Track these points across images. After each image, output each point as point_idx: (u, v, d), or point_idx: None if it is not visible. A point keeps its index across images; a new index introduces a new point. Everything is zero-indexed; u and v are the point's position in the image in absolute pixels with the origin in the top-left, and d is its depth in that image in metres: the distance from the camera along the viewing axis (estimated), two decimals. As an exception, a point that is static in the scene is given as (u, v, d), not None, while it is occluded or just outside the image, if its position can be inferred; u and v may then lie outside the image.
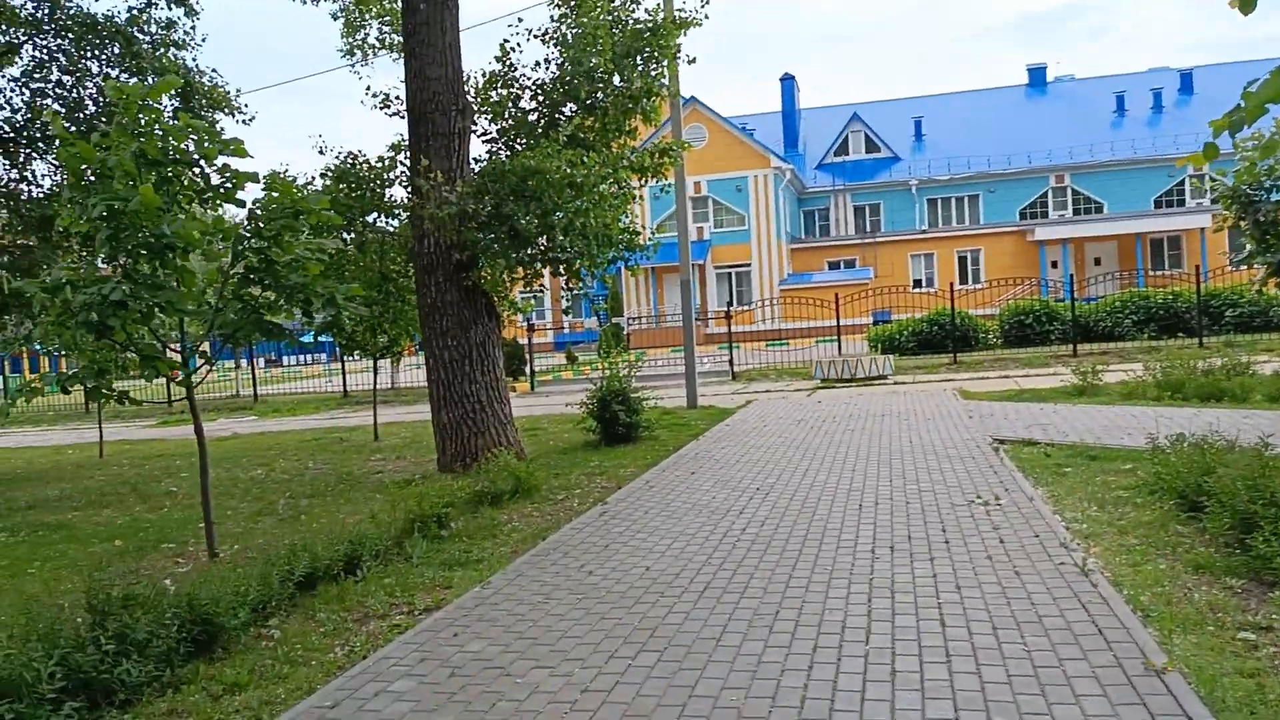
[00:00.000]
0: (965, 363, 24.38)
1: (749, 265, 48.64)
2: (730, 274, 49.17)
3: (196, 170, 8.35)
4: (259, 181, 8.55)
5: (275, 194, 8.33)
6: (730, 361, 26.89)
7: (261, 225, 8.35)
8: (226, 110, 18.29)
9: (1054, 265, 46.84)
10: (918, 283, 47.72)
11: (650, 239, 13.66)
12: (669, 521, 8.46)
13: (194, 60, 18.53)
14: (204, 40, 18.19)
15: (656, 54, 13.20)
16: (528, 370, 28.54)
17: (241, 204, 8.44)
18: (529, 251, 11.90)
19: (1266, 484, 6.29)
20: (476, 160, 13.30)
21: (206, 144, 8.11)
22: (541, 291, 13.39)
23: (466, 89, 13.28)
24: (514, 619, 5.96)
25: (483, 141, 13.74)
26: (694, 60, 14.42)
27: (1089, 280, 37.90)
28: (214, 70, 18.31)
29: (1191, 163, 4.78)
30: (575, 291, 13.03)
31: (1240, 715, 3.97)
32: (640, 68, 13.32)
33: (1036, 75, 60.84)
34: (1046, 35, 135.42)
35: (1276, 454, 6.95)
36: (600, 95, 13.41)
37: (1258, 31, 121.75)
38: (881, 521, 7.94)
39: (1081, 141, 51.13)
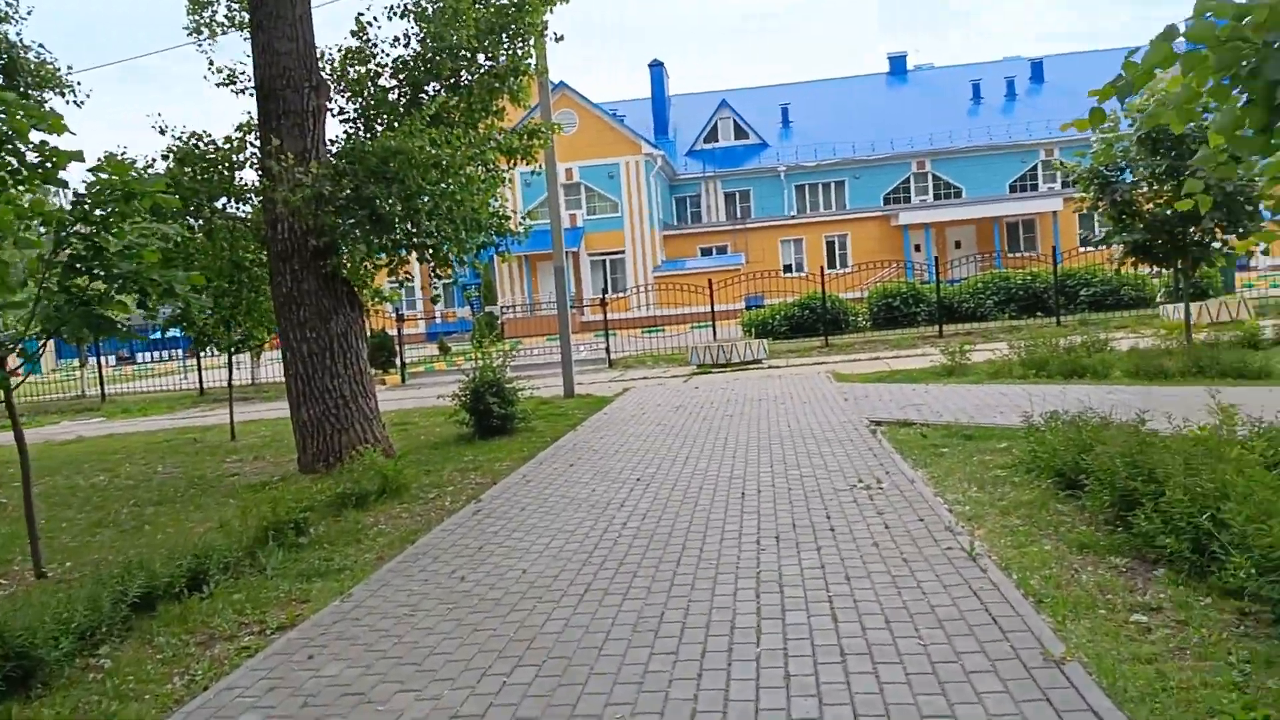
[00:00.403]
0: (837, 345, 24.69)
1: (623, 252, 48.42)
2: (605, 261, 48.85)
3: (8, 149, 7.46)
4: (83, 160, 7.70)
5: (105, 175, 7.52)
6: (607, 349, 26.56)
7: (89, 209, 7.55)
8: (56, 89, 16.88)
9: (917, 249, 48.20)
10: (788, 268, 48.39)
11: (521, 224, 13.14)
12: (547, 518, 8.04)
13: (17, 35, 17.03)
14: (29, 14, 16.75)
15: (523, 31, 12.68)
16: (398, 362, 27.59)
17: (63, 184, 7.60)
18: (392, 236, 11.25)
19: (1145, 461, 6.30)
20: (334, 141, 12.53)
21: (19, 117, 7.24)
22: (411, 280, 12.71)
23: (321, 66, 12.49)
24: (377, 635, 5.45)
25: (340, 121, 12.97)
26: (561, 38, 13.95)
27: (951, 263, 39.06)
28: (40, 45, 16.87)
29: (1075, 127, 4.64)
30: (444, 279, 12.42)
31: (1144, 707, 3.82)
32: (506, 45, 12.78)
33: (897, 64, 62.44)
34: (906, 24, 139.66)
35: (1153, 430, 6.99)
36: (465, 73, 12.82)
37: (1100, 25, 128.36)
38: (765, 510, 7.70)
39: (941, 128, 52.71)
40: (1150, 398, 11.58)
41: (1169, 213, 14.49)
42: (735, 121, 56.16)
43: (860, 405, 13.39)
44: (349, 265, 11.54)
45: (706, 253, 50.28)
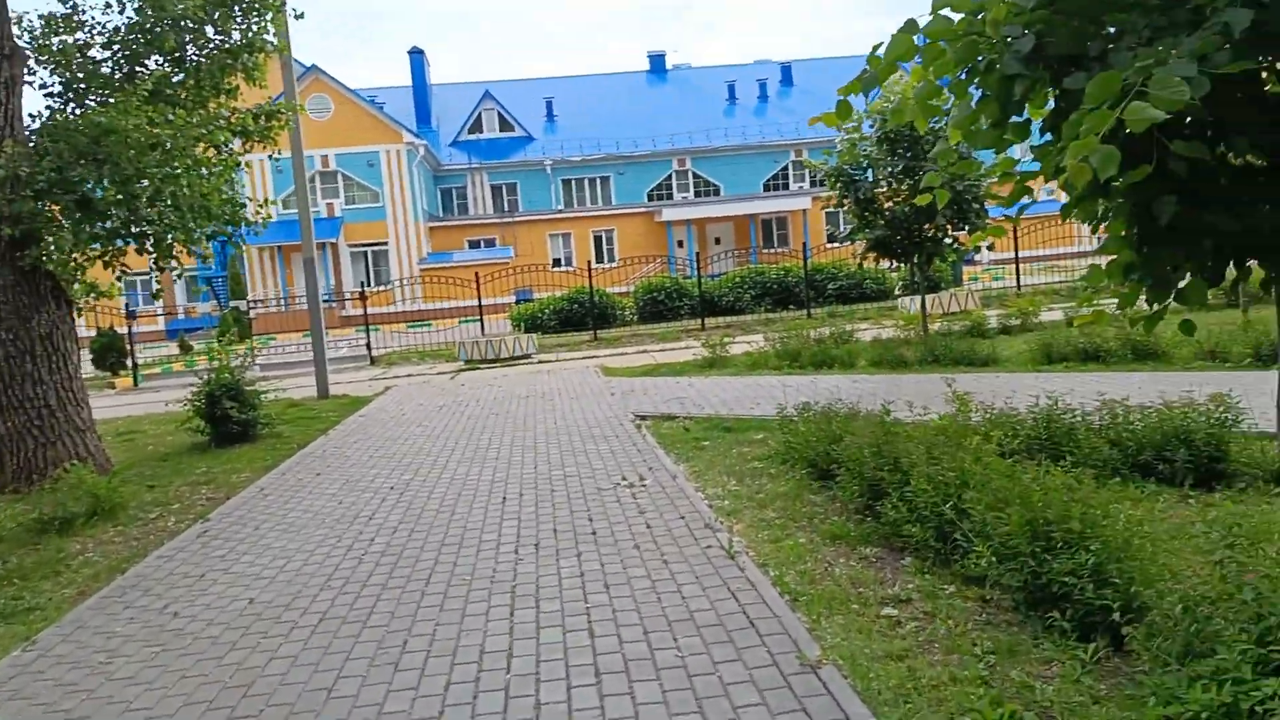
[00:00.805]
0: (605, 339, 24.73)
1: (386, 244, 46.70)
2: (366, 253, 46.95)
3: None
4: None
5: None
6: (368, 345, 25.37)
7: None
8: None
9: (680, 244, 49.40)
10: (556, 261, 48.30)
11: (260, 213, 12.11)
12: (284, 537, 7.33)
13: None
14: None
15: (257, 4, 11.65)
16: (129, 363, 25.18)
17: None
18: (105, 225, 10.03)
19: (891, 450, 6.42)
20: (34, 117, 11.06)
21: None
22: (150, 273, 11.33)
23: (18, 33, 10.98)
24: (62, 692, 4.65)
25: (44, 95, 11.46)
26: (301, 15, 12.98)
27: (711, 258, 40.27)
28: None
29: (824, 121, 4.55)
30: (168, 270, 11.22)
31: (897, 710, 3.75)
32: (239, 19, 11.71)
33: (657, 62, 63.75)
34: (665, 24, 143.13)
35: (897, 419, 7.18)
36: (192, 48, 11.64)
37: (840, 32, 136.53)
38: (526, 515, 7.35)
39: (700, 127, 54.25)
40: (893, 386, 12.13)
41: (907, 210, 15.33)
42: (500, 113, 55.47)
43: (627, 399, 13.31)
44: (53, 257, 10.18)
45: (475, 245, 49.37)
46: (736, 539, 6.24)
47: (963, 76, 4.26)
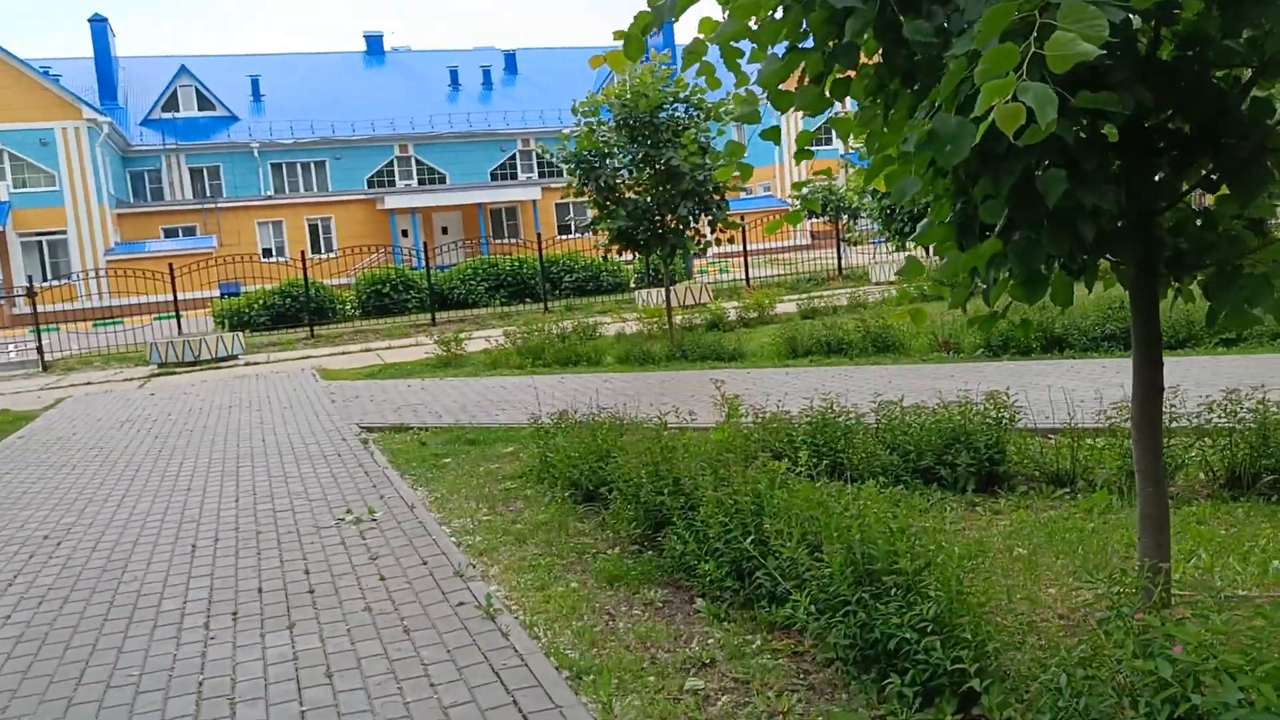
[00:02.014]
0: (324, 336, 22.67)
1: (64, 232, 41.24)
2: (41, 242, 41.25)
3: None
4: None
5: None
6: (39, 349, 21.81)
7: None
8: None
9: (405, 234, 47.13)
10: (267, 252, 44.60)
11: None
12: (-123, 621, 5.43)
13: None
14: None
15: None
16: None
17: None
18: None
19: (670, 469, 5.56)
20: None
21: None
22: None
23: None
24: None
25: None
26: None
27: (439, 249, 38.56)
28: None
29: (608, 62, 3.60)
30: None
31: None
32: None
33: (374, 43, 60.72)
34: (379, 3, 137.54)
35: (673, 433, 6.33)
36: None
37: (568, 25, 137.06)
38: (223, 569, 5.87)
39: (422, 112, 52.12)
40: (647, 385, 11.45)
41: (649, 200, 14.75)
42: (198, 90, 50.67)
43: (350, 407, 11.79)
44: None
45: (172, 234, 44.68)
46: (494, 588, 5.15)
47: (778, 16, 3.40)
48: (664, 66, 14.84)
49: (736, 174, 4.16)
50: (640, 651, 4.24)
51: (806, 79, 3.67)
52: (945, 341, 12.17)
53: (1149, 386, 3.42)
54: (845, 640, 3.76)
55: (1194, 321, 10.61)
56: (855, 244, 28.79)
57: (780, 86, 3.73)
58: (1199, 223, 3.20)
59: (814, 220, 41.38)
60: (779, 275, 26.81)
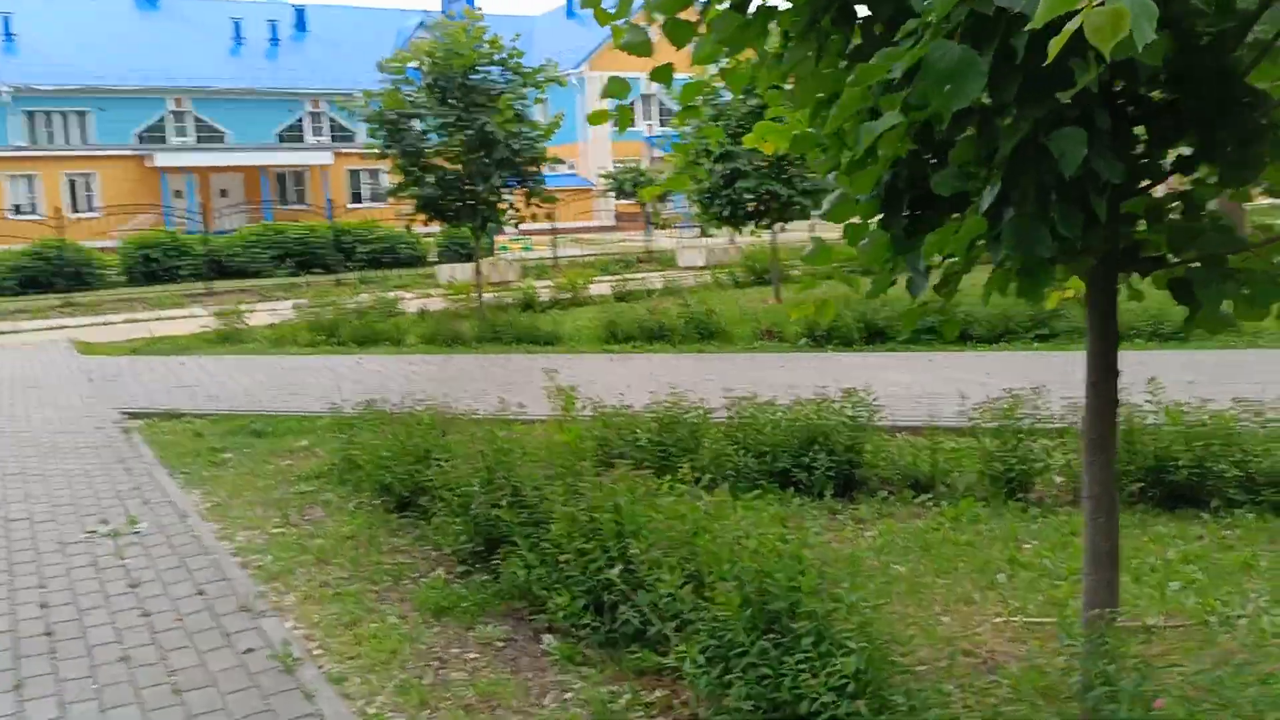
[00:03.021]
0: (82, 305, 20.18)
1: None
2: None
3: None
4: None
5: None
6: None
7: None
8: None
9: (178, 195, 43.22)
10: (18, 209, 39.75)
11: None
12: None
13: None
14: None
15: None
16: None
17: None
18: None
19: (508, 475, 4.75)
20: None
21: None
22: None
23: None
24: None
25: None
26: None
27: (218, 213, 35.56)
28: None
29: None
30: None
31: None
32: None
33: (148, -13, 55.49)
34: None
35: (513, 435, 5.48)
36: None
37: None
38: (-73, 603, 4.58)
39: (201, 66, 47.98)
40: (460, 370, 10.52)
41: (460, 168, 13.74)
42: (-68, 22, 44.62)
43: (111, 388, 10.22)
44: None
45: (-106, 184, 39.07)
46: (291, 626, 4.19)
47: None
48: (478, 25, 13.82)
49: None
50: (485, 714, 3.43)
51: (717, 5, 2.96)
52: (768, 330, 11.88)
53: (1105, 399, 2.93)
54: (747, 701, 3.09)
55: (1010, 316, 10.73)
56: (663, 227, 28.59)
57: (681, 16, 3.02)
58: (1178, 209, 2.72)
59: (619, 201, 41.12)
60: (587, 256, 26.18)
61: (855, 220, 3.29)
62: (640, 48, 3.04)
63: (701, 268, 22.92)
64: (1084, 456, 3.00)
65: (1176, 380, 6.44)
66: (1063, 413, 5.70)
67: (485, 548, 4.69)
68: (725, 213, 15.49)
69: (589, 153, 49.10)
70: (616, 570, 3.77)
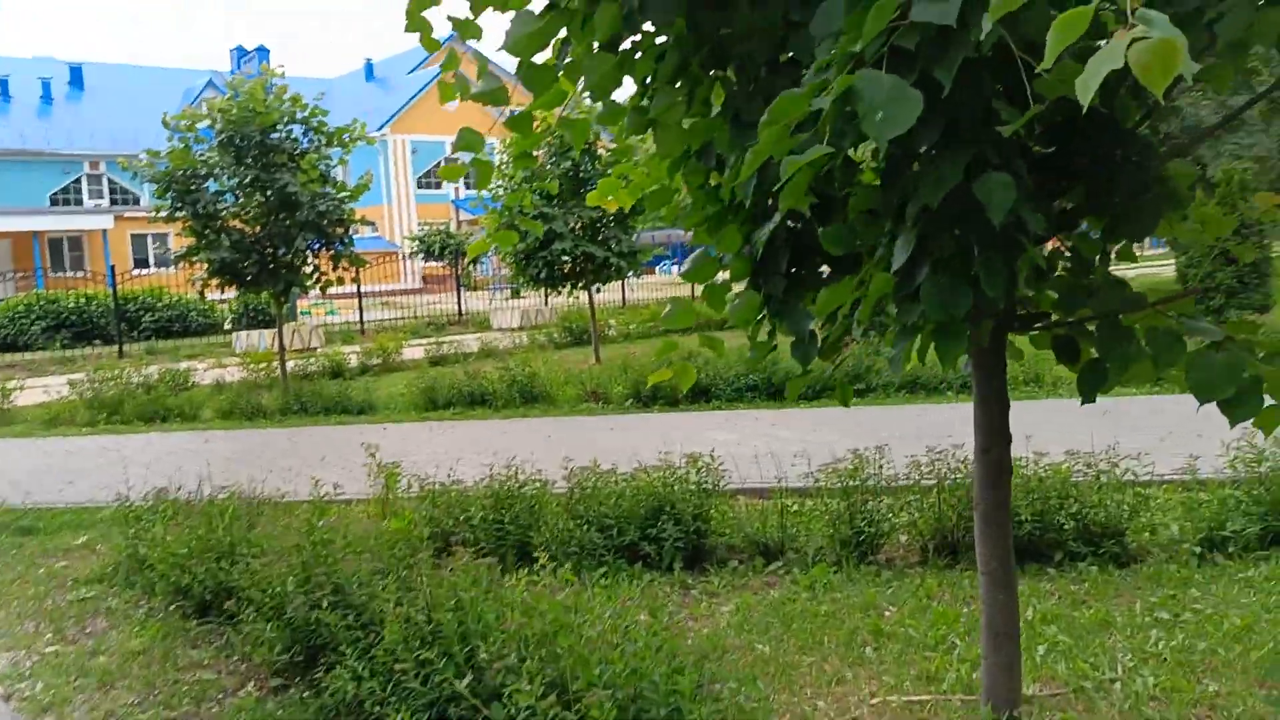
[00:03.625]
0: None
1: None
2: None
3: None
4: None
5: None
6: None
7: None
8: None
9: (-66, 262, 39.17)
10: None
11: None
12: None
13: None
14: None
15: None
16: None
17: None
18: None
19: (329, 573, 4.19)
20: None
21: None
22: None
23: None
24: None
25: None
26: None
27: (-18, 280, 32.33)
28: None
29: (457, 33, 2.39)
30: None
31: None
32: None
33: (-103, 34, 50.62)
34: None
35: (318, 508, 4.90)
36: None
37: (141, 44, 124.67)
38: None
39: (-38, 123, 44.13)
40: (262, 446, 9.66)
41: (259, 230, 12.88)
42: None
43: None
44: None
45: None
46: (68, 773, 3.48)
47: None
48: (279, 83, 13.11)
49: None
50: None
51: (572, 49, 2.68)
52: (594, 391, 11.61)
53: (998, 467, 2.77)
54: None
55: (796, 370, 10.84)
56: (475, 289, 28.07)
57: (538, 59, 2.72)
58: (1067, 264, 2.60)
59: (427, 264, 40.27)
60: (396, 319, 25.28)
61: (721, 279, 3.08)
62: (494, 96, 2.72)
63: (517, 329, 22.54)
64: (977, 528, 2.83)
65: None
66: (906, 470, 5.66)
67: (305, 658, 4.10)
68: (542, 274, 15.26)
69: (392, 215, 48.06)
70: (465, 682, 3.31)
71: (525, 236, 14.94)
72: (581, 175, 15.09)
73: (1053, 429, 6.77)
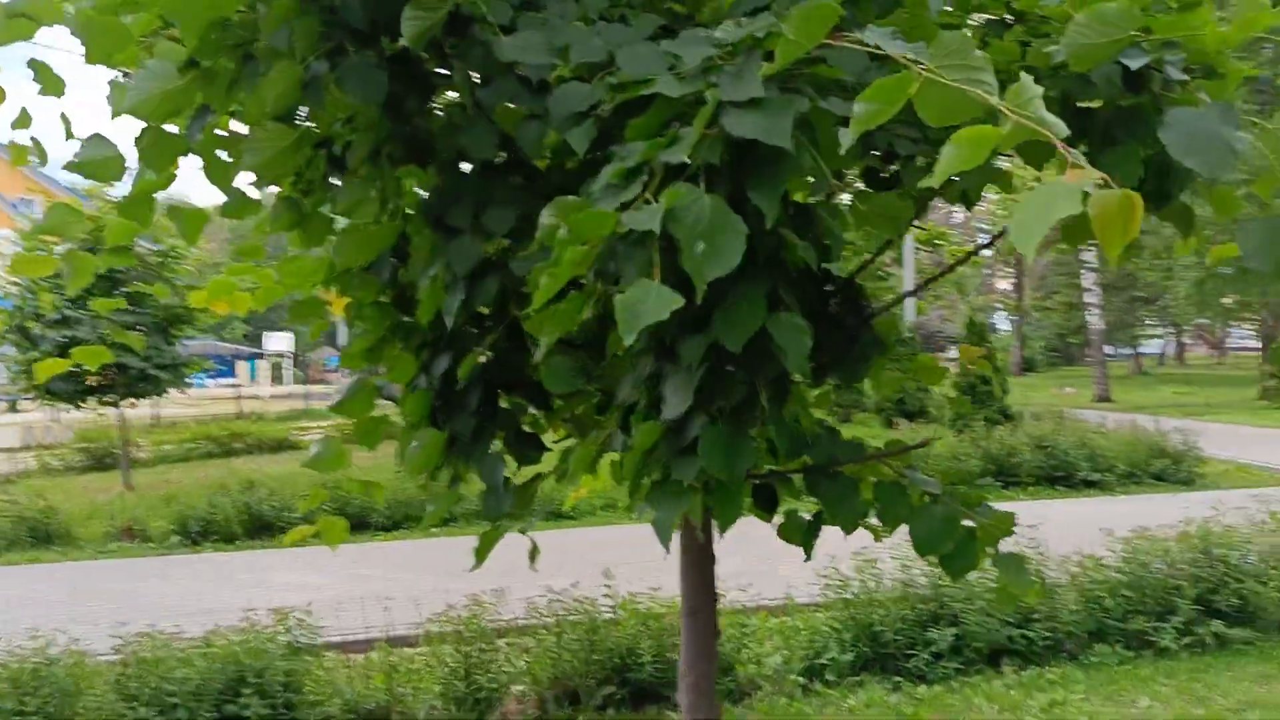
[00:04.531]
0: None
1: None
2: None
3: None
4: None
5: None
6: None
7: None
8: None
9: None
10: None
11: None
12: None
13: None
14: None
15: None
16: None
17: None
18: None
19: None
20: None
21: None
22: None
23: None
24: None
25: None
26: None
27: None
28: None
29: None
30: None
31: None
32: None
33: None
34: None
35: None
36: None
37: None
38: None
39: None
40: None
41: None
42: None
43: None
44: None
45: None
46: None
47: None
48: None
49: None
50: None
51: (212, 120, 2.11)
52: (128, 528, 9.90)
53: (708, 631, 2.51)
54: None
55: (405, 502, 10.22)
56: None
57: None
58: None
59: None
60: None
61: (381, 414, 2.58)
62: (106, 170, 2.04)
63: (19, 449, 19.00)
64: (684, 702, 2.53)
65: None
66: (525, 616, 5.29)
67: None
68: (62, 387, 13.04)
69: None
70: None
71: (39, 343, 12.88)
72: (115, 276, 13.27)
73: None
